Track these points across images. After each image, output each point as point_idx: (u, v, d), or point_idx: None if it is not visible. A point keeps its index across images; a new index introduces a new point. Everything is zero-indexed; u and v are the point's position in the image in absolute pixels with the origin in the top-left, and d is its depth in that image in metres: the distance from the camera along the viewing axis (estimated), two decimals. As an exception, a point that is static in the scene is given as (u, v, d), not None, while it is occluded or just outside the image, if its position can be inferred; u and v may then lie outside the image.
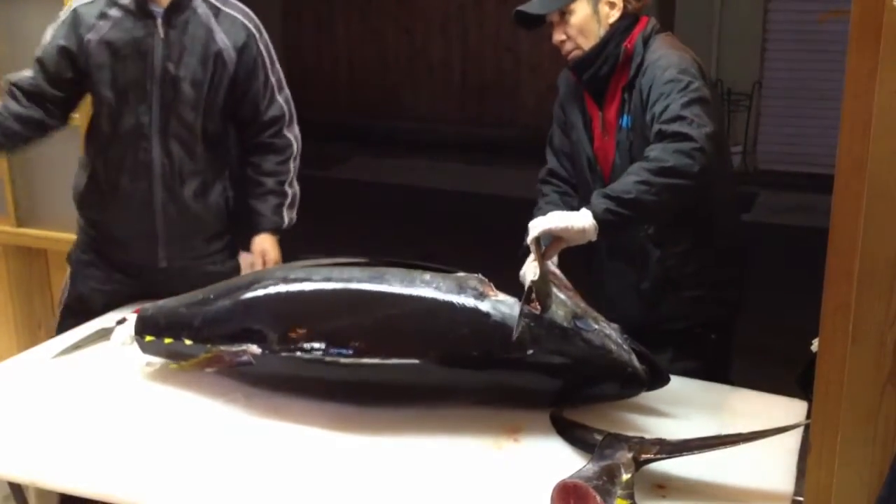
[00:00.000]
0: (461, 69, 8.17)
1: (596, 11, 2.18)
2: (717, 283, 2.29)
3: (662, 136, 1.96)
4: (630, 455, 1.67)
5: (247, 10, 2.56)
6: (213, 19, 2.47)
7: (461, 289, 1.91)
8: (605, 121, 2.24)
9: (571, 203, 2.32)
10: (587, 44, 2.19)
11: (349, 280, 1.97)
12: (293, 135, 2.64)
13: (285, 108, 2.61)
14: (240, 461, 1.81)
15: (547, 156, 2.45)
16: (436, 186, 7.13)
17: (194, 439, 1.89)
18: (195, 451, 1.85)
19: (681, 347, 2.24)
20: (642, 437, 1.75)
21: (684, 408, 1.96)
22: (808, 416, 1.75)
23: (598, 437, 1.76)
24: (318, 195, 7.06)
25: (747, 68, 7.07)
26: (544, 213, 1.98)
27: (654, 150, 1.94)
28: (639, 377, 1.89)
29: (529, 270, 1.90)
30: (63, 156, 2.85)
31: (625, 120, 2.18)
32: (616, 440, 1.72)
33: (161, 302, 2.18)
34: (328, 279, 1.99)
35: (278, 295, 1.97)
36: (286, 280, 1.99)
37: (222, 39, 2.47)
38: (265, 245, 2.61)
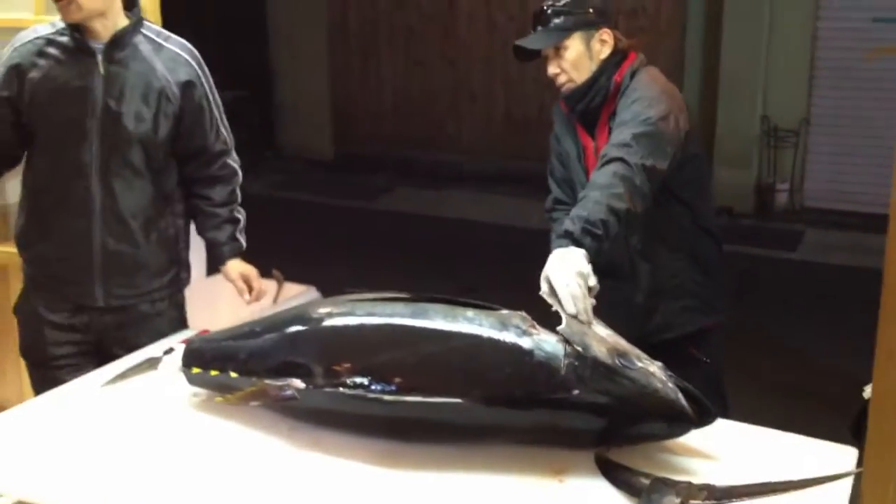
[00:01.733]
0: (504, 102, 8.21)
1: (589, 48, 2.37)
2: (704, 293, 2.47)
3: (608, 160, 2.16)
4: (677, 500, 1.65)
5: (188, 45, 2.55)
6: (155, 55, 2.46)
7: (504, 326, 1.90)
8: (598, 150, 2.38)
9: None
10: (580, 77, 2.38)
11: (392, 315, 1.97)
12: (236, 163, 2.68)
13: (228, 138, 2.64)
14: (283, 494, 1.81)
15: (550, 186, 2.62)
16: (478, 219, 7.15)
17: (238, 471, 1.89)
18: (239, 483, 1.85)
19: (672, 360, 2.24)
20: (690, 482, 1.72)
21: (732, 452, 1.93)
22: (859, 464, 1.71)
23: (645, 481, 1.73)
24: (362, 226, 7.17)
25: (795, 105, 7.02)
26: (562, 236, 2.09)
27: (602, 177, 2.13)
28: (686, 415, 1.85)
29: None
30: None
31: None
32: (663, 484, 1.70)
33: (208, 334, 2.20)
34: (371, 314, 1.99)
35: (322, 329, 1.98)
36: (330, 315, 2.00)
37: (164, 76, 2.45)
38: (239, 269, 2.67)
